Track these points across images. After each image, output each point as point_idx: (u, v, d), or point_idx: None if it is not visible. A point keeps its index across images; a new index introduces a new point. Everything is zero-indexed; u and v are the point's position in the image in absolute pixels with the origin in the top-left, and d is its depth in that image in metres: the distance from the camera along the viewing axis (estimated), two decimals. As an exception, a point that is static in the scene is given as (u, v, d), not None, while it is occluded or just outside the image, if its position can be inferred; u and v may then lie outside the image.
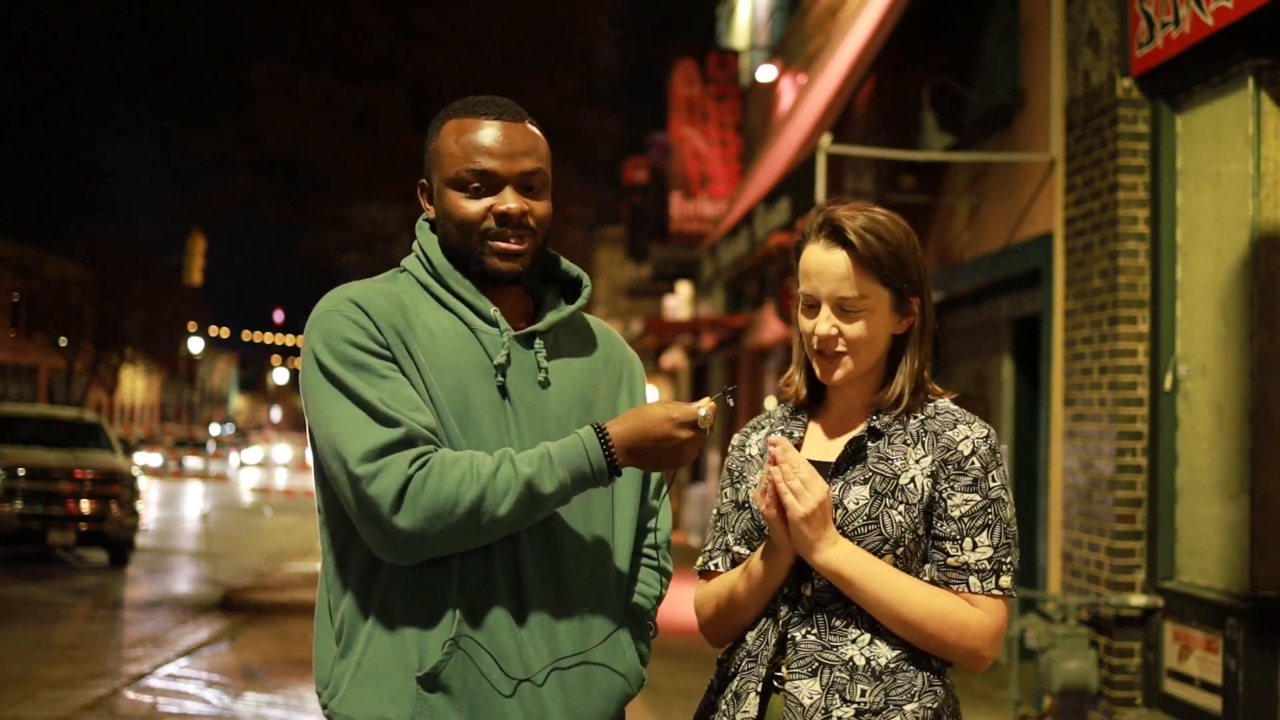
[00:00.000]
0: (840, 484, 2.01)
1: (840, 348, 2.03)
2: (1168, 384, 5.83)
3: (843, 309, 2.01)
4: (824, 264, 2.02)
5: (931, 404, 2.05)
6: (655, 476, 2.30)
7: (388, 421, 1.96)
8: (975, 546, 1.96)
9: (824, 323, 2.02)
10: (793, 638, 1.98)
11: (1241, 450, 5.35)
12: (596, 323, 2.31)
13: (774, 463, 2.00)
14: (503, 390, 2.08)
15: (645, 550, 2.28)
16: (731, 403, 2.07)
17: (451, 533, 1.95)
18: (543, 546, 2.08)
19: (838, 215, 2.03)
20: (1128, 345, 5.93)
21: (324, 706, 2.07)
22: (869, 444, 2.02)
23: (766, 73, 15.35)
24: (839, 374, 2.04)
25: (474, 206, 2.07)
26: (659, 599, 2.27)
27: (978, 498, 1.96)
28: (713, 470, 19.36)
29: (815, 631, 1.97)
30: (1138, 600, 5.81)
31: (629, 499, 2.23)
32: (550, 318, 2.16)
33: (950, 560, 1.96)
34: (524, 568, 2.05)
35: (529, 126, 2.12)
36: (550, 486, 1.98)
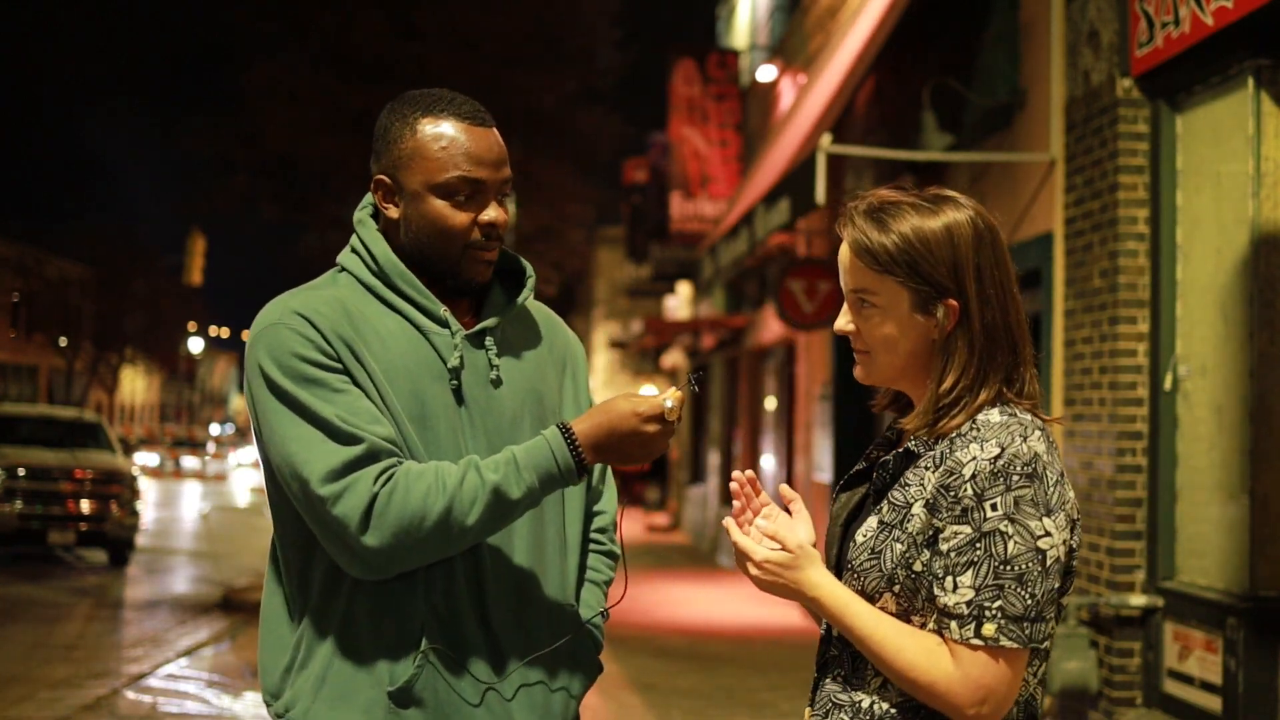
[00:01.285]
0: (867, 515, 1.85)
1: (860, 345, 1.87)
2: (1168, 384, 5.83)
3: (859, 305, 1.84)
4: (841, 254, 1.86)
5: (971, 421, 1.78)
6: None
7: (347, 439, 1.90)
8: (956, 587, 1.71)
9: (841, 316, 1.88)
10: (822, 681, 1.89)
11: (1241, 450, 5.35)
12: (538, 307, 2.26)
13: (738, 514, 1.90)
14: (457, 393, 2.04)
15: (593, 535, 2.26)
16: (696, 389, 2.03)
17: (421, 546, 1.91)
18: (500, 550, 2.05)
19: (854, 200, 1.86)
20: (1128, 345, 5.93)
21: (278, 716, 2.02)
22: (906, 469, 1.81)
23: (766, 73, 15.34)
24: (859, 373, 1.90)
25: (461, 217, 2.03)
26: (609, 583, 2.25)
27: (968, 530, 1.71)
28: (713, 470, 19.34)
29: (843, 673, 1.84)
30: (1138, 600, 5.81)
31: (577, 490, 2.19)
32: (498, 314, 2.12)
33: (936, 601, 1.73)
34: (484, 573, 2.03)
35: (497, 132, 2.09)
36: (518, 492, 1.94)
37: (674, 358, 24.38)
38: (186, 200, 17.27)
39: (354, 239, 2.13)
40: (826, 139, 7.63)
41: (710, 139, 17.27)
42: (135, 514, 14.40)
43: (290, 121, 14.34)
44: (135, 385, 58.20)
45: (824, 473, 12.18)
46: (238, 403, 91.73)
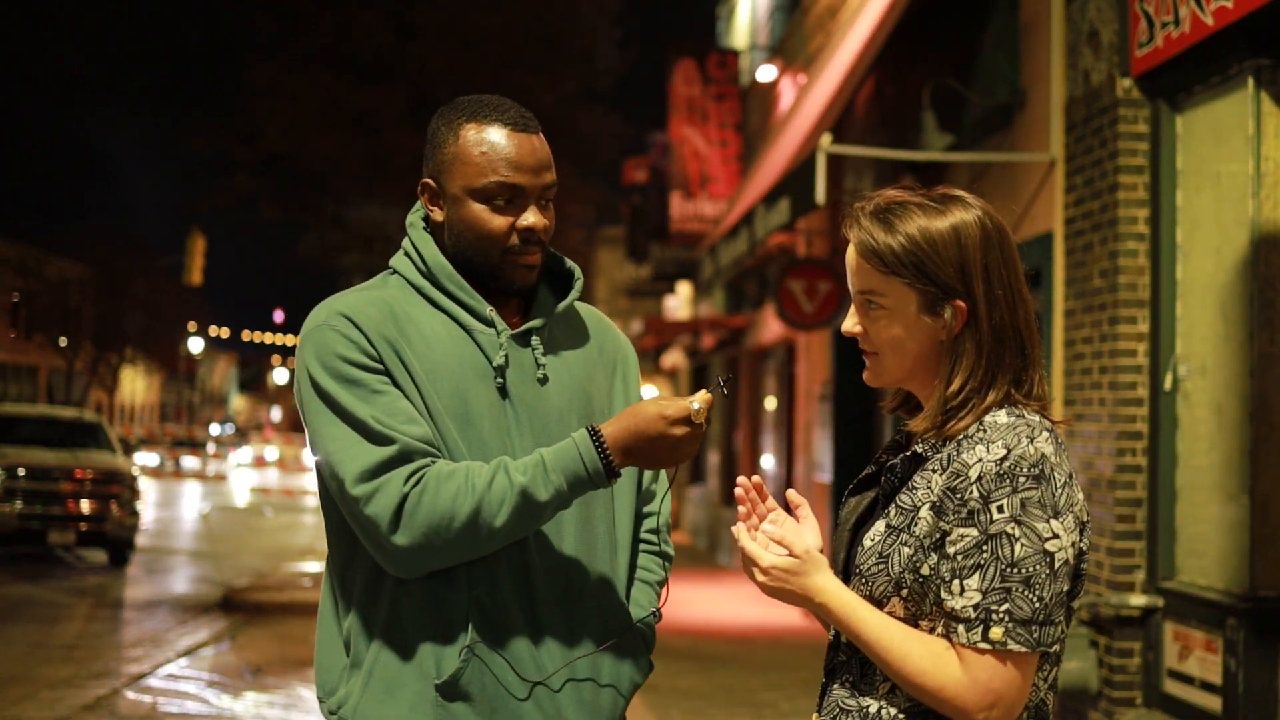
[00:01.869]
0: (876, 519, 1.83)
1: (868, 346, 1.85)
2: (1168, 384, 5.83)
3: (866, 306, 1.84)
4: (848, 255, 1.85)
5: (979, 423, 1.77)
6: None
7: (381, 439, 1.94)
8: (963, 590, 1.69)
9: (849, 318, 1.87)
10: (830, 686, 1.87)
11: (1241, 450, 5.35)
12: (588, 311, 2.29)
13: (744, 518, 1.89)
14: (502, 391, 2.06)
15: (644, 536, 2.28)
16: (725, 393, 2.02)
17: (451, 546, 1.94)
18: (549, 546, 2.07)
19: (860, 202, 1.85)
20: (1128, 345, 5.93)
21: (331, 713, 2.06)
22: (914, 472, 1.80)
23: (766, 73, 15.34)
24: (867, 375, 1.88)
25: (499, 221, 2.06)
26: (661, 583, 2.27)
27: (974, 533, 1.69)
28: (713, 470, 19.34)
29: (851, 679, 1.83)
30: (1138, 600, 5.81)
31: (627, 490, 2.22)
32: (545, 314, 2.15)
33: (943, 605, 1.72)
34: (532, 569, 2.05)
35: (543, 137, 2.12)
36: (546, 494, 1.96)
37: (674, 358, 24.37)
38: (186, 200, 17.31)
39: (405, 241, 2.17)
40: (826, 139, 7.63)
41: (710, 139, 17.26)
42: (135, 514, 14.39)
43: (290, 121, 14.35)
44: (135, 385, 58.16)
45: (824, 473, 12.17)
46: (238, 403, 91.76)
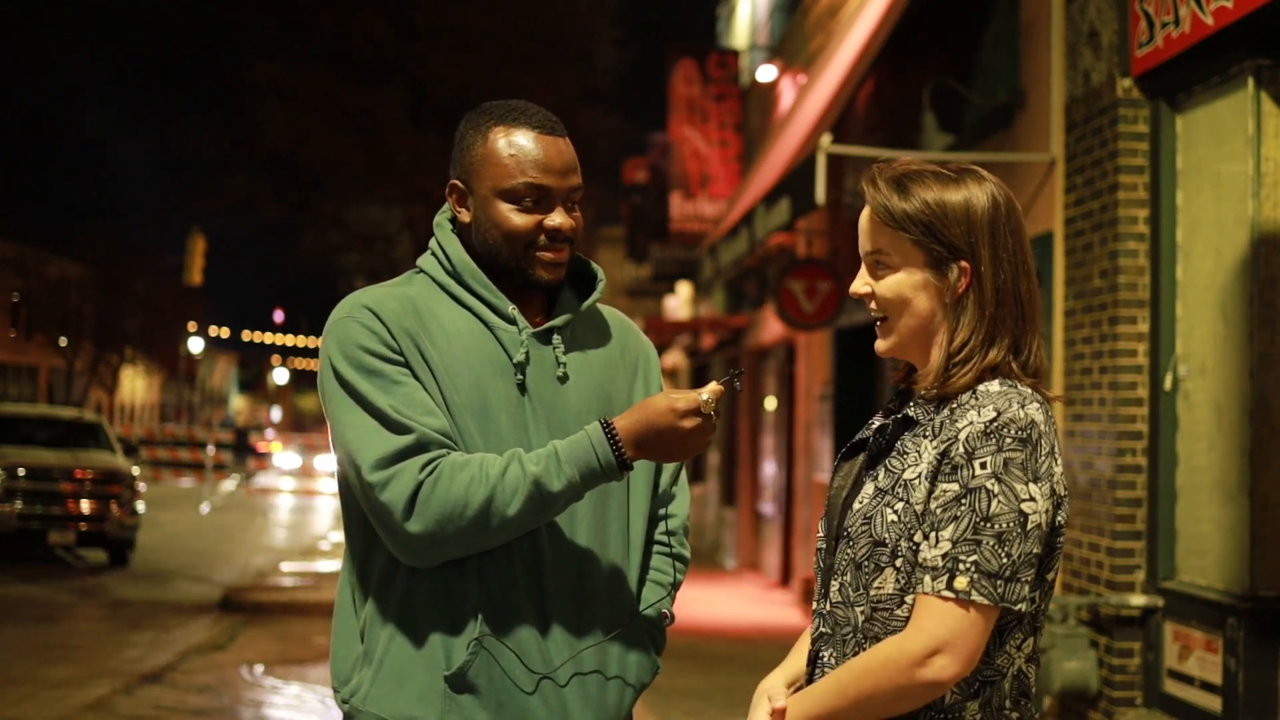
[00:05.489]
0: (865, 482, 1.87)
1: (876, 309, 1.90)
2: (1168, 384, 5.83)
3: (875, 267, 1.89)
4: (861, 217, 1.92)
5: (973, 391, 1.81)
6: (670, 465, 2.29)
7: (399, 428, 1.98)
8: (937, 541, 1.72)
9: (858, 279, 1.92)
10: (819, 655, 1.92)
11: (1241, 450, 5.35)
12: (611, 313, 2.34)
13: None
14: (521, 387, 2.10)
15: (658, 538, 2.30)
16: (738, 386, 2.05)
17: (463, 535, 1.97)
18: (562, 542, 2.10)
19: (877, 167, 1.92)
20: (1128, 345, 5.93)
21: (344, 702, 2.09)
22: (904, 435, 1.84)
23: (766, 73, 15.34)
24: (879, 344, 1.93)
25: (525, 220, 2.10)
26: (675, 585, 2.29)
27: (956, 487, 1.73)
28: (712, 470, 19.34)
29: (834, 652, 1.87)
30: (1138, 600, 5.81)
31: (641, 490, 2.24)
32: (567, 313, 2.18)
33: (919, 558, 1.74)
34: (544, 564, 2.07)
35: (569, 141, 2.16)
36: (558, 484, 1.99)
37: (674, 358, 24.38)
38: (186, 200, 17.30)
39: (432, 241, 2.22)
40: (826, 139, 7.63)
41: (710, 139, 17.26)
42: (135, 514, 14.38)
43: (290, 121, 14.34)
44: (135, 385, 58.16)
45: (824, 473, 12.16)
46: (238, 403, 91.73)
